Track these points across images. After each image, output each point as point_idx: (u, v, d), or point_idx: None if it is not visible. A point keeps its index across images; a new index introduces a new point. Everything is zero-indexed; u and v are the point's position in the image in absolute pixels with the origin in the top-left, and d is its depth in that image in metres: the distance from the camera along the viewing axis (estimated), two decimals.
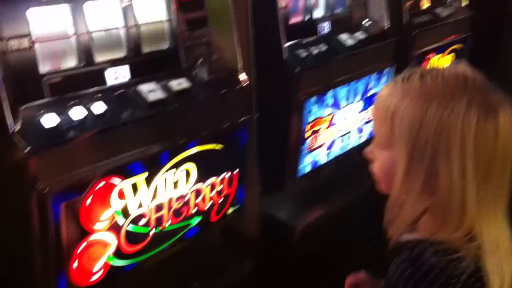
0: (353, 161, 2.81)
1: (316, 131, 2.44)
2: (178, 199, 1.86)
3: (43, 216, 1.52)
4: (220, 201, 2.03)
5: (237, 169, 2.05)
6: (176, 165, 1.81)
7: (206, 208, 1.99)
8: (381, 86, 2.75)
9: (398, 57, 2.84)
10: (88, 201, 1.60)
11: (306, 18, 2.48)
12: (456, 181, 1.19)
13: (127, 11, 1.82)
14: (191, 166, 1.86)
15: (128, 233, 1.75)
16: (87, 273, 1.69)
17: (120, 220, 1.71)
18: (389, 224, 1.30)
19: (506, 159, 1.21)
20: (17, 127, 1.49)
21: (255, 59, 2.21)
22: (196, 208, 1.95)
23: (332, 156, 2.62)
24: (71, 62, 1.70)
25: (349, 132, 2.67)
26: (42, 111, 1.56)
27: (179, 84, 1.83)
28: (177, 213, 1.88)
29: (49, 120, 1.54)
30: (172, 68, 1.91)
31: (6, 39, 1.53)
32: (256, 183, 2.37)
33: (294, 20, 2.42)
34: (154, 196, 1.78)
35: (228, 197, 2.06)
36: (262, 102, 2.27)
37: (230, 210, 2.10)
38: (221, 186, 2.01)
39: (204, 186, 1.94)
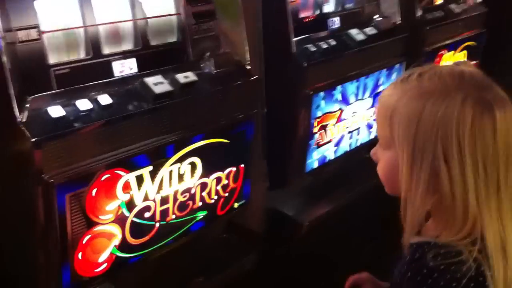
0: (362, 157, 2.80)
1: (324, 127, 2.43)
2: (183, 192, 1.87)
3: (48, 206, 1.53)
4: (226, 195, 2.03)
5: (243, 164, 2.04)
6: (182, 159, 1.81)
7: (211, 202, 1.99)
8: (391, 82, 2.73)
9: (409, 53, 2.82)
10: (93, 192, 1.60)
11: (316, 13, 2.47)
12: (456, 180, 1.17)
13: (135, 3, 1.82)
14: (197, 160, 1.86)
15: (133, 225, 1.75)
16: (91, 264, 1.70)
17: (125, 212, 1.71)
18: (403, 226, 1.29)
19: (510, 158, 1.19)
20: (24, 117, 1.50)
21: (263, 53, 2.21)
22: (202, 202, 1.95)
23: (340, 152, 2.61)
24: (78, 54, 1.71)
25: (358, 128, 2.66)
26: (49, 102, 1.57)
27: (186, 77, 1.83)
28: (182, 206, 1.89)
29: (56, 111, 1.55)
30: (179, 61, 1.91)
31: (15, 30, 1.54)
32: (263, 178, 2.37)
33: (303, 14, 2.41)
34: (159, 189, 1.78)
35: (234, 191, 2.06)
36: (270, 96, 2.27)
37: (236, 205, 2.10)
38: (227, 180, 2.00)
39: (210, 180, 1.94)
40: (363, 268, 1.65)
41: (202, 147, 1.87)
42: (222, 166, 1.98)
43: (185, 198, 1.88)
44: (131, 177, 1.69)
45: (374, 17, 2.71)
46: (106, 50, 1.75)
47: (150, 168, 1.73)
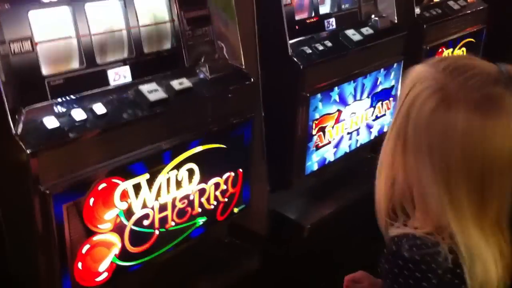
0: (363, 158, 2.80)
1: (323, 128, 2.43)
2: (182, 199, 1.87)
3: (45, 217, 1.54)
4: (225, 201, 2.03)
5: (242, 168, 2.04)
6: (179, 165, 1.81)
7: (211, 207, 1.99)
8: (390, 81, 2.73)
9: (408, 52, 2.82)
10: (91, 202, 1.61)
11: (313, 15, 2.47)
12: (410, 171, 1.20)
13: (128, 12, 1.82)
14: (194, 166, 1.86)
15: (132, 233, 1.75)
16: (92, 274, 1.70)
17: (124, 220, 1.71)
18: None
19: (469, 161, 1.16)
20: (19, 129, 1.51)
21: (260, 56, 2.21)
22: (201, 208, 1.95)
23: (340, 154, 2.61)
24: (73, 64, 1.71)
25: (357, 129, 2.65)
26: (44, 113, 1.58)
27: (180, 83, 1.83)
28: (181, 213, 1.89)
29: (51, 122, 1.56)
30: (175, 67, 1.92)
31: (8, 42, 1.55)
32: (264, 181, 2.37)
33: (300, 16, 2.41)
34: (158, 196, 1.78)
35: (233, 196, 2.06)
36: (268, 99, 2.27)
37: (236, 209, 2.10)
38: (226, 185, 2.00)
39: (208, 186, 1.94)
40: (367, 268, 1.64)
41: (199, 153, 1.87)
42: (220, 171, 1.98)
43: (183, 205, 1.88)
44: (128, 185, 1.69)
45: (372, 16, 2.70)
46: (100, 60, 1.76)
47: (147, 175, 1.73)
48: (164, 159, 1.78)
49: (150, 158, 1.74)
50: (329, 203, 2.60)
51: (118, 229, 1.71)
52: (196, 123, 1.87)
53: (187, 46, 1.96)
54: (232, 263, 2.20)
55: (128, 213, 1.72)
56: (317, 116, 2.37)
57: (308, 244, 2.50)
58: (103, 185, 1.62)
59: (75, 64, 1.71)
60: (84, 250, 1.64)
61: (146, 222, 1.78)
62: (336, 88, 2.41)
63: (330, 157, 2.56)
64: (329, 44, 2.39)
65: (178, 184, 1.84)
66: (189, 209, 1.91)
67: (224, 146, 1.95)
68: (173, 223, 1.87)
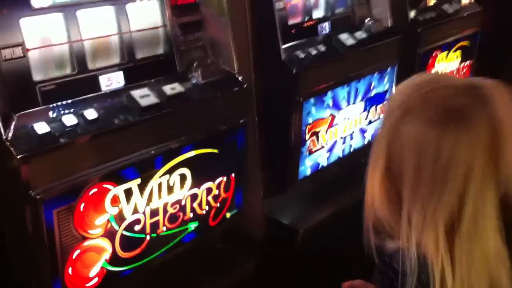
0: (357, 162, 2.79)
1: (316, 133, 2.43)
2: (173, 204, 1.87)
3: (36, 222, 1.54)
4: (217, 206, 2.03)
5: (234, 173, 2.04)
6: (171, 170, 1.82)
7: (203, 213, 1.99)
8: (384, 85, 2.73)
9: (402, 55, 2.82)
10: (82, 207, 1.61)
11: (306, 19, 2.47)
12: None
13: (120, 17, 1.82)
14: (186, 171, 1.86)
15: (123, 239, 1.75)
16: (82, 279, 1.70)
17: (115, 226, 1.72)
18: None
19: (425, 172, 1.17)
20: (10, 134, 1.51)
21: (253, 61, 2.22)
22: (193, 213, 1.95)
23: (334, 158, 2.61)
24: (64, 70, 1.71)
25: (351, 133, 2.65)
26: (35, 118, 1.58)
27: (172, 88, 1.84)
28: (173, 218, 1.89)
29: (42, 127, 1.56)
30: (167, 72, 1.92)
31: (0, 48, 1.55)
32: (258, 185, 2.37)
33: (293, 21, 2.41)
34: (149, 201, 1.79)
35: (225, 201, 2.06)
36: (262, 103, 2.27)
37: (228, 215, 2.10)
38: (218, 190, 2.00)
39: (200, 191, 1.94)
40: (361, 274, 1.64)
41: (191, 158, 1.87)
42: (212, 176, 1.98)
43: (175, 210, 1.88)
44: (119, 190, 1.69)
45: (366, 20, 2.70)
46: (92, 65, 1.76)
47: (139, 180, 1.74)
48: (156, 164, 1.78)
49: (141, 163, 1.74)
50: (323, 207, 2.60)
51: (109, 234, 1.71)
52: (188, 128, 1.86)
53: (180, 51, 1.96)
54: (226, 269, 2.20)
55: (119, 218, 1.72)
56: (310, 120, 2.38)
57: (302, 249, 2.50)
58: (94, 190, 1.63)
59: (67, 70, 1.71)
60: (74, 255, 1.64)
61: (137, 227, 1.78)
62: (329, 93, 2.41)
63: (324, 162, 2.57)
64: (322, 48, 2.40)
65: (170, 189, 1.84)
66: (181, 214, 1.91)
67: (217, 151, 1.95)
68: (164, 228, 1.87)
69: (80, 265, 1.66)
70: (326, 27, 2.55)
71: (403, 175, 1.18)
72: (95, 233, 1.67)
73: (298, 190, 2.56)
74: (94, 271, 1.71)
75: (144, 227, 1.80)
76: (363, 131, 2.71)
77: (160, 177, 1.79)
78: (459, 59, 3.39)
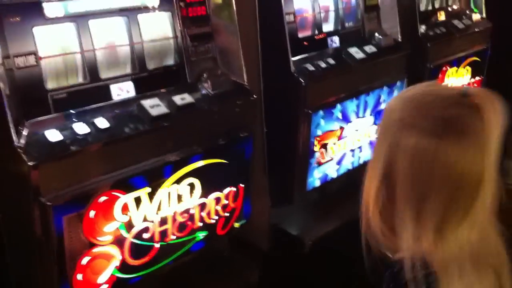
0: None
1: (325, 145, 2.44)
2: (182, 213, 1.88)
3: (46, 228, 1.56)
4: (226, 215, 2.04)
5: (243, 183, 2.06)
6: (180, 179, 1.83)
7: (211, 222, 2.00)
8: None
9: (411, 70, 2.84)
10: (91, 214, 1.63)
11: (316, 32, 2.50)
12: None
13: (132, 28, 1.85)
14: (195, 180, 1.88)
15: (132, 246, 1.77)
16: (91, 286, 1.71)
17: (124, 233, 1.73)
18: None
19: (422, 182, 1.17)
20: (22, 141, 1.54)
21: (262, 72, 2.24)
22: (202, 222, 1.96)
23: (343, 170, 2.62)
24: (76, 79, 1.74)
25: (360, 146, 2.66)
26: (47, 126, 1.61)
27: (182, 98, 1.85)
28: (182, 227, 1.90)
29: (53, 135, 1.59)
30: (177, 83, 1.94)
31: (13, 57, 1.58)
32: (266, 196, 2.38)
33: (303, 34, 2.44)
34: (158, 210, 1.80)
35: (234, 211, 2.07)
36: (271, 115, 2.29)
37: (237, 224, 2.11)
38: (227, 200, 2.02)
39: (209, 200, 1.96)
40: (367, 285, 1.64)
41: (200, 168, 1.88)
42: (221, 186, 2.00)
43: (184, 219, 1.90)
44: (128, 198, 1.71)
45: (375, 35, 2.72)
46: (104, 75, 1.79)
47: (148, 189, 1.75)
48: (165, 173, 1.80)
49: (151, 172, 1.76)
50: (331, 219, 2.60)
51: (118, 241, 1.73)
52: (198, 138, 1.88)
53: (190, 62, 1.99)
54: (233, 277, 2.20)
55: (129, 226, 1.74)
56: (319, 132, 2.39)
57: (309, 260, 2.50)
58: (103, 198, 1.64)
59: (79, 79, 1.74)
60: (84, 262, 1.65)
61: (146, 235, 1.80)
62: (338, 105, 2.43)
63: (333, 174, 2.57)
64: (331, 61, 2.42)
65: (179, 198, 1.85)
66: (189, 223, 1.92)
67: (225, 161, 1.96)
68: (173, 237, 1.89)
69: (89, 272, 1.68)
70: (336, 40, 2.57)
71: (400, 186, 1.19)
72: (105, 240, 1.69)
73: (307, 201, 2.57)
74: (103, 277, 1.72)
75: (153, 235, 1.81)
76: (372, 144, 2.72)
77: (169, 186, 1.81)
78: (469, 74, 3.40)
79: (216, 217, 2.01)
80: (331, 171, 2.56)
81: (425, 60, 3.05)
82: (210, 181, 1.93)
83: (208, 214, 1.98)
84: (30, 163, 1.50)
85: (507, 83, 3.84)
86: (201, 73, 1.99)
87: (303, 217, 2.59)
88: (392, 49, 2.70)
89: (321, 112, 2.35)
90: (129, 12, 1.85)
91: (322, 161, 2.47)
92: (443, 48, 3.15)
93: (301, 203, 2.53)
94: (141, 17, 1.87)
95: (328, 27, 2.56)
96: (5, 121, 1.52)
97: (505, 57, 3.73)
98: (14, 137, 1.52)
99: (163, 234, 1.85)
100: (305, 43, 2.42)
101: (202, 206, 1.94)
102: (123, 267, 1.77)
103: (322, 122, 2.37)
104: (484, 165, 1.14)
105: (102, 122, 1.68)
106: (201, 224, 1.97)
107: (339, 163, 2.58)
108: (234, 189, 2.03)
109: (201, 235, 1.99)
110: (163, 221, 1.83)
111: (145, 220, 1.78)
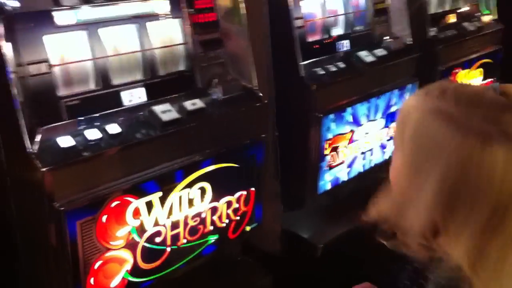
0: (377, 178, 2.80)
1: (336, 148, 2.45)
2: (194, 217, 1.90)
3: (59, 233, 1.58)
4: (237, 219, 2.06)
5: (254, 187, 2.07)
6: (191, 184, 1.85)
7: (223, 226, 2.02)
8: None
9: (422, 73, 2.83)
10: (104, 219, 1.65)
11: (325, 36, 2.50)
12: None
13: (142, 35, 1.87)
14: (206, 185, 1.89)
15: (144, 250, 1.79)
16: None
17: (136, 237, 1.75)
18: None
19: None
20: (35, 147, 1.56)
21: (273, 77, 2.25)
22: (213, 226, 1.98)
23: (353, 173, 2.62)
24: (88, 85, 1.77)
25: (371, 149, 2.66)
26: (60, 132, 1.63)
27: (193, 104, 1.87)
28: (193, 230, 1.92)
29: (66, 141, 1.61)
30: (188, 89, 1.96)
31: (26, 65, 1.61)
32: (277, 199, 2.39)
33: (312, 38, 2.45)
34: (170, 214, 1.82)
35: (245, 215, 2.08)
36: (281, 119, 2.30)
37: (248, 228, 2.12)
38: (238, 204, 2.03)
39: (220, 204, 1.97)
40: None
41: (211, 172, 1.90)
42: (232, 190, 2.01)
43: (195, 223, 1.91)
44: (140, 203, 1.73)
45: (385, 38, 2.73)
46: (115, 81, 1.81)
47: (160, 193, 1.77)
48: (177, 177, 1.81)
49: (162, 177, 1.78)
50: (342, 222, 2.60)
51: (131, 245, 1.75)
52: (208, 143, 1.90)
53: (200, 68, 2.00)
54: (244, 281, 2.22)
55: (141, 230, 1.76)
56: (330, 136, 2.40)
57: (320, 264, 2.50)
58: (116, 202, 1.67)
59: (91, 86, 1.77)
60: (96, 266, 1.68)
61: (158, 239, 1.82)
62: (349, 109, 2.43)
63: (344, 177, 2.58)
64: (341, 65, 2.43)
65: (190, 202, 1.87)
66: (201, 227, 1.94)
67: (236, 165, 1.98)
68: (185, 241, 1.90)
69: (102, 276, 1.70)
70: (345, 44, 2.57)
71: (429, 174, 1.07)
72: (117, 245, 1.71)
73: (318, 204, 2.57)
74: (115, 281, 1.75)
75: (165, 239, 1.83)
76: (383, 146, 2.72)
77: (180, 190, 1.82)
78: (482, 76, 3.39)
79: (227, 221, 2.03)
80: (342, 174, 2.56)
81: (436, 62, 3.05)
82: (221, 185, 1.95)
83: (220, 217, 1.99)
84: (43, 169, 1.53)
85: None
86: (211, 79, 2.01)
87: (315, 220, 2.60)
88: (402, 52, 2.70)
89: (331, 116, 2.36)
90: (140, 19, 1.87)
91: (333, 164, 2.48)
92: (453, 51, 3.14)
93: (313, 207, 2.54)
94: (151, 24, 1.89)
95: (337, 31, 2.57)
96: (19, 127, 1.54)
97: None
98: (28, 144, 1.55)
99: (175, 238, 1.87)
100: (314, 47, 2.43)
101: (213, 210, 1.96)
102: (135, 271, 1.79)
103: (332, 125, 2.38)
104: None
105: (114, 128, 1.70)
106: (212, 228, 1.98)
107: (350, 166, 2.58)
108: (245, 193, 2.05)
109: (212, 238, 2.00)
110: (175, 225, 1.85)
111: (156, 224, 1.79)
